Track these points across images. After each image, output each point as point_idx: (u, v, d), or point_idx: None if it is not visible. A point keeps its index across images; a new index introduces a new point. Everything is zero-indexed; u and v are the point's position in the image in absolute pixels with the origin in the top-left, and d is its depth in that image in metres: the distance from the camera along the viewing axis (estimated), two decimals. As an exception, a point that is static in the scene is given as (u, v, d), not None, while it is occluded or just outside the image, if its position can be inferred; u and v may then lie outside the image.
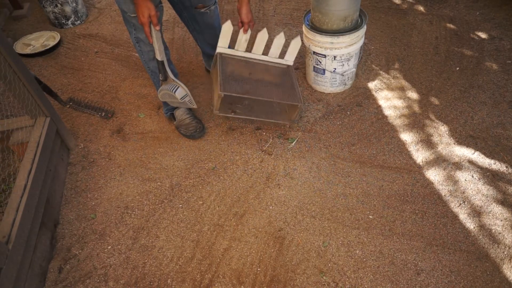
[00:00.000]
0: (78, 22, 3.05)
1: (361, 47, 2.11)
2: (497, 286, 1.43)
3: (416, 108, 2.12)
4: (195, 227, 1.69)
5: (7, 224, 1.39)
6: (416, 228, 1.61)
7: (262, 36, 1.96)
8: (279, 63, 2.07)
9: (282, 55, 2.07)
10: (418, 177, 1.79)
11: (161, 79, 1.80)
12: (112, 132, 2.16)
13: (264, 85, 1.98)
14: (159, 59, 1.71)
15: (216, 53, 1.97)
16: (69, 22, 3.00)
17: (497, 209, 1.64)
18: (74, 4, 2.95)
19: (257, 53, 2.02)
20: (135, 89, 2.42)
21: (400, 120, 2.06)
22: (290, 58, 2.08)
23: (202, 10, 1.95)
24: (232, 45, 1.97)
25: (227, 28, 1.89)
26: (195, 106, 1.88)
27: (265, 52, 2.03)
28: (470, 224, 1.61)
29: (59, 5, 2.89)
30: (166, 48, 1.86)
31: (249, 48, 2.01)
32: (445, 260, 1.51)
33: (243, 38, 1.94)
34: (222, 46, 1.96)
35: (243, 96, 1.88)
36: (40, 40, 2.84)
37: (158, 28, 1.61)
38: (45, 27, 3.04)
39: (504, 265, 1.47)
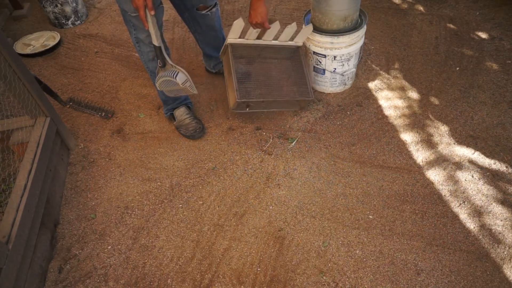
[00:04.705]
0: (78, 22, 3.04)
1: (361, 47, 2.11)
2: (497, 286, 1.43)
3: (416, 108, 2.12)
4: (195, 227, 1.69)
5: (7, 224, 1.39)
6: (416, 228, 1.61)
7: (274, 27, 1.92)
8: (288, 45, 2.07)
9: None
10: (418, 177, 1.79)
11: (159, 65, 1.74)
12: (112, 132, 2.16)
13: (276, 78, 2.00)
14: (156, 44, 1.66)
15: (226, 44, 1.96)
16: (69, 22, 3.00)
17: (497, 209, 1.64)
18: (74, 4, 2.95)
19: (267, 39, 1.99)
20: (135, 89, 2.42)
21: (400, 120, 2.06)
22: (299, 40, 2.07)
23: (203, 12, 1.95)
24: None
25: (238, 24, 1.86)
26: (195, 92, 1.83)
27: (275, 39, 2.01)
28: (470, 224, 1.61)
29: (59, 5, 2.89)
30: (166, 48, 1.86)
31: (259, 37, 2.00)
32: (445, 260, 1.51)
33: (254, 30, 1.91)
34: (232, 37, 1.93)
35: (259, 100, 1.94)
36: (40, 40, 2.84)
37: (153, 12, 1.55)
38: (45, 27, 3.04)
39: (504, 265, 1.47)
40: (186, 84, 1.76)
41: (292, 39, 2.06)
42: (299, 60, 2.07)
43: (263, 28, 1.83)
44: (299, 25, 2.78)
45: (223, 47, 2.02)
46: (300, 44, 2.08)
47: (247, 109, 2.02)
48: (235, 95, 1.87)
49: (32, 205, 1.50)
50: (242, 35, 1.95)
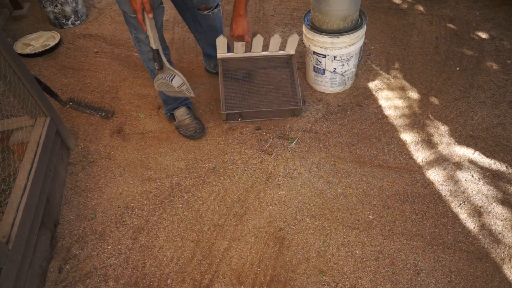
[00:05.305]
0: (78, 22, 3.04)
1: (361, 47, 2.11)
2: (497, 286, 1.43)
3: (416, 108, 2.12)
4: (195, 227, 1.69)
5: (7, 224, 1.39)
6: (416, 228, 1.61)
7: (258, 40, 2.01)
8: (281, 55, 2.12)
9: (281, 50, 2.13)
10: (418, 177, 1.79)
11: (156, 68, 1.76)
12: (112, 132, 2.16)
13: (266, 89, 2.06)
14: (154, 47, 1.68)
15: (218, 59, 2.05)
16: (69, 22, 3.00)
17: (497, 209, 1.64)
18: (74, 4, 2.95)
19: (256, 51, 2.06)
20: (135, 89, 2.42)
21: (400, 120, 2.06)
22: (290, 49, 2.10)
23: (205, 12, 1.95)
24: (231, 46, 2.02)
25: (221, 41, 1.95)
26: (192, 95, 1.85)
27: (263, 50, 2.09)
28: (470, 224, 1.61)
29: (59, 5, 2.89)
30: (166, 48, 1.86)
31: (248, 49, 2.06)
32: (445, 260, 1.51)
33: (239, 43, 1.98)
34: (221, 53, 2.02)
35: (245, 111, 2.00)
36: (40, 40, 2.84)
37: (151, 15, 1.54)
38: (45, 27, 3.04)
39: (504, 265, 1.48)
40: (183, 88, 1.78)
41: (281, 48, 2.10)
42: (291, 69, 2.10)
43: (243, 41, 1.88)
44: (299, 25, 2.79)
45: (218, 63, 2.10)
46: (292, 52, 2.11)
47: (239, 119, 2.07)
48: (221, 108, 1.94)
49: (32, 205, 1.50)
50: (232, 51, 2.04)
